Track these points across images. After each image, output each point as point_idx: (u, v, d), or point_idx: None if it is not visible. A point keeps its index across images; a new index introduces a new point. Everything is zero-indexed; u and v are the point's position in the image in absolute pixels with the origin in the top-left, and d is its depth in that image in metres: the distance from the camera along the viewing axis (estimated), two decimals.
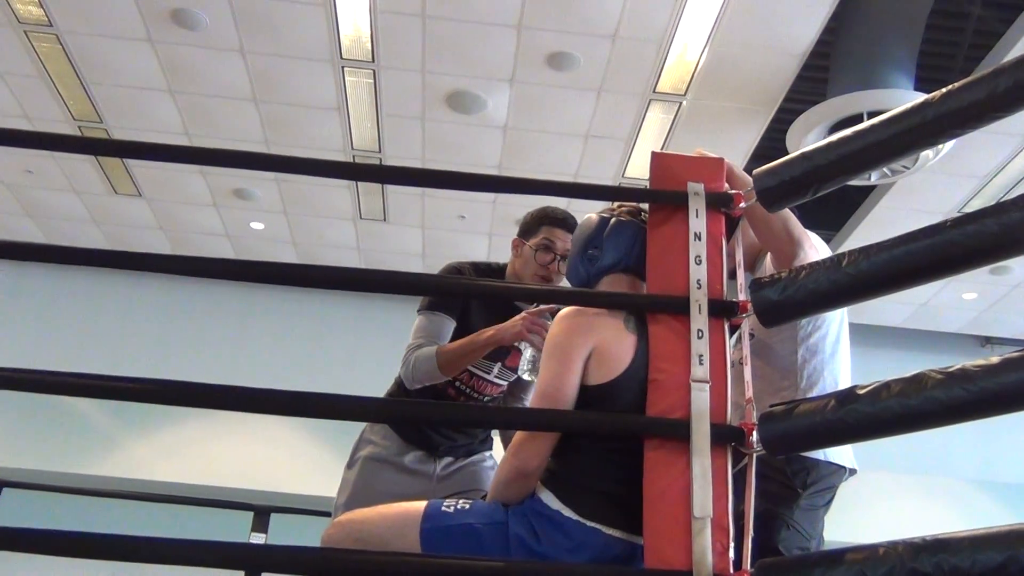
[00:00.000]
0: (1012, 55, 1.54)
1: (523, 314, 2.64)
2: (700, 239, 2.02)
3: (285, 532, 4.94)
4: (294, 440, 8.70)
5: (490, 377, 2.93)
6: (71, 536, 1.68)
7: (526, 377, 2.68)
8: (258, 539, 4.61)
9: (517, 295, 2.90)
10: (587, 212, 2.36)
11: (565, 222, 2.87)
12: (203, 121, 6.87)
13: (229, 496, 7.13)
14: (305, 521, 4.53)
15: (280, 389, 1.86)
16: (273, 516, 4.70)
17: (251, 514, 4.71)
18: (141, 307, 9.32)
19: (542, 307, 2.66)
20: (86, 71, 6.37)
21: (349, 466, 2.96)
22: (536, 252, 2.85)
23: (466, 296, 2.89)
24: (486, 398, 2.97)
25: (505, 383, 2.99)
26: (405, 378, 2.79)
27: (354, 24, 5.76)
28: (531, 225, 2.91)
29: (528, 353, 2.64)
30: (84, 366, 2.09)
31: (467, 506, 2.02)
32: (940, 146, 5.57)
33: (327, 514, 2.97)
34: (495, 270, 3.00)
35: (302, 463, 8.58)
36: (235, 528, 5.20)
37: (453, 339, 2.83)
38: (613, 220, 2.23)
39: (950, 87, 1.73)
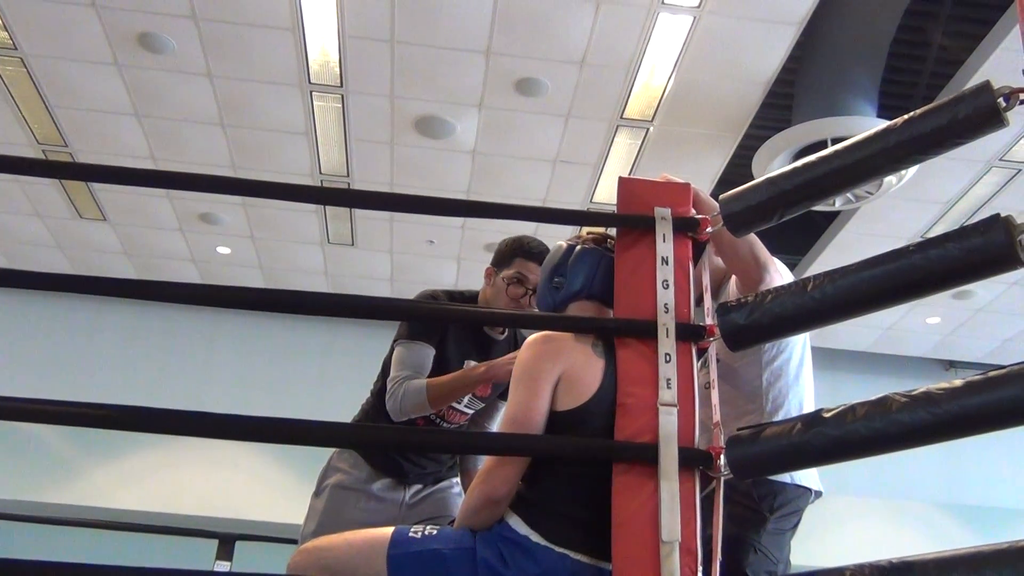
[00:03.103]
0: (973, 82, 1.57)
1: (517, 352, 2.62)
2: (667, 263, 2.03)
3: (251, 560, 4.89)
4: (260, 466, 8.61)
5: (460, 407, 2.92)
6: (31, 566, 1.65)
7: None
8: (223, 567, 4.54)
9: (488, 320, 2.90)
10: (556, 236, 2.37)
11: (540, 257, 2.79)
12: (170, 145, 6.82)
13: (193, 524, 7.03)
14: (271, 549, 4.48)
15: (246, 415, 1.84)
16: (238, 544, 4.64)
17: (216, 542, 4.65)
18: (105, 332, 9.21)
19: None
20: (51, 94, 6.32)
21: (317, 494, 2.92)
22: (508, 286, 2.84)
23: (438, 322, 2.87)
24: (452, 426, 2.96)
25: (472, 411, 2.99)
26: (392, 411, 2.76)
27: (322, 49, 5.76)
28: (505, 256, 2.89)
29: None
30: (46, 392, 2.06)
31: (434, 532, 2.00)
32: (903, 172, 5.65)
33: (294, 541, 2.93)
34: (468, 298, 2.99)
35: (268, 490, 8.49)
36: (199, 556, 5.13)
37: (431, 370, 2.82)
38: (578, 248, 2.24)
39: (912, 114, 1.76)
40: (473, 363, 2.86)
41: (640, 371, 1.94)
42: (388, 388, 2.78)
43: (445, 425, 2.93)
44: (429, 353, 2.82)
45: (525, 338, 2.75)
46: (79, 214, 7.95)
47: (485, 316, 2.85)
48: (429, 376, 2.79)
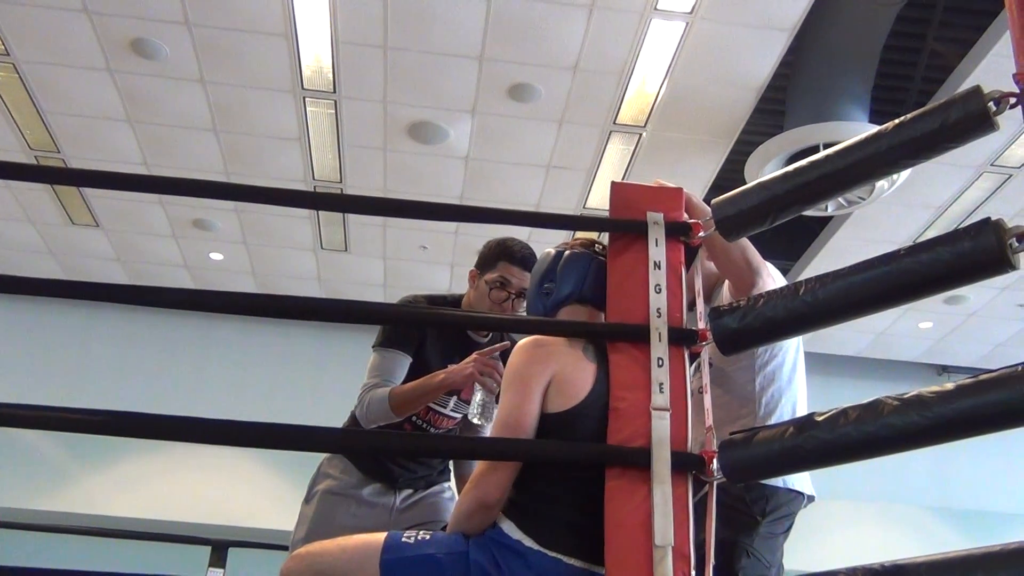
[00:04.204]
0: (964, 88, 1.58)
1: (474, 356, 2.61)
2: (660, 268, 2.03)
3: (243, 567, 4.88)
4: (252, 473, 8.59)
5: (446, 411, 2.92)
6: (23, 573, 1.65)
7: (475, 421, 2.64)
8: (216, 574, 4.53)
9: (478, 324, 2.89)
10: (548, 242, 2.37)
11: (523, 260, 2.82)
12: (163, 151, 6.81)
13: (186, 530, 7.01)
14: (264, 555, 4.46)
15: (238, 420, 1.84)
16: (231, 550, 4.63)
17: (208, 548, 4.64)
18: (97, 338, 9.19)
19: (494, 347, 2.64)
20: (43, 100, 6.31)
21: (307, 500, 2.92)
22: (491, 290, 2.83)
23: (424, 327, 2.86)
24: (441, 431, 2.95)
25: (460, 416, 2.98)
26: (360, 418, 2.76)
27: (315, 55, 5.76)
28: (488, 259, 2.89)
29: (478, 396, 2.60)
30: (38, 398, 2.06)
31: (427, 537, 2.00)
32: (895, 177, 5.67)
33: (286, 548, 2.92)
34: (450, 301, 2.98)
35: (260, 496, 8.46)
36: (192, 563, 5.12)
37: (410, 373, 2.81)
38: (567, 253, 2.25)
39: (903, 118, 1.76)
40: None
41: (633, 375, 1.94)
42: (358, 396, 2.78)
43: (432, 430, 2.92)
44: (402, 360, 2.80)
45: (511, 339, 2.75)
46: (71, 220, 7.93)
47: (478, 320, 2.84)
48: (409, 381, 2.78)
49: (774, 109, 6.24)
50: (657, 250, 2.05)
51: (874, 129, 1.82)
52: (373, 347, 2.87)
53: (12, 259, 8.66)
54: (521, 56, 5.68)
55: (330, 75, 5.93)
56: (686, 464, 1.85)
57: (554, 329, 2.14)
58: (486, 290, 2.84)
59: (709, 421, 1.94)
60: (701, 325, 2.01)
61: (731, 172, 6.69)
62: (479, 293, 2.87)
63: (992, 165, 6.42)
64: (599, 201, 7.08)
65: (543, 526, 1.95)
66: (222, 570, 4.56)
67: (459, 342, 2.91)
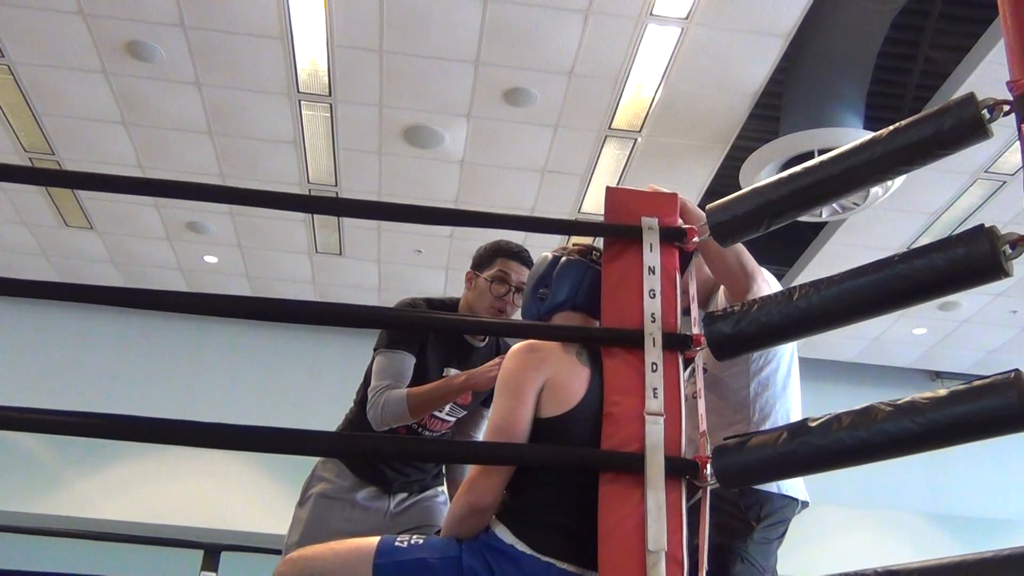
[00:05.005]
0: (959, 94, 1.59)
1: (498, 360, 2.62)
2: (654, 273, 2.03)
3: (236, 571, 4.87)
4: (246, 476, 8.57)
5: (442, 415, 2.92)
6: None
7: None
8: None
9: (474, 328, 2.89)
10: (543, 246, 2.38)
11: (519, 255, 2.88)
12: (157, 154, 6.80)
13: (179, 534, 6.99)
14: (256, 559, 4.46)
15: (232, 424, 1.83)
16: (224, 554, 4.62)
17: (201, 552, 4.63)
18: (90, 341, 9.16)
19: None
20: (38, 102, 6.30)
21: (301, 504, 2.91)
22: (491, 284, 2.85)
23: (423, 331, 2.87)
24: (435, 434, 2.96)
25: (454, 419, 2.98)
26: (372, 420, 2.75)
27: (311, 58, 5.76)
28: (485, 258, 2.92)
29: None
30: (30, 400, 2.05)
31: (420, 541, 2.00)
32: (889, 183, 5.68)
33: (279, 552, 2.92)
34: (448, 305, 2.99)
35: (253, 500, 8.44)
36: (185, 567, 5.10)
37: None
38: (563, 259, 2.25)
39: (897, 125, 1.77)
40: (454, 371, 2.86)
41: (627, 380, 1.94)
42: (369, 398, 2.77)
43: (427, 434, 2.92)
44: (410, 362, 2.81)
45: (507, 343, 2.76)
46: (65, 222, 7.91)
47: (473, 324, 2.84)
48: (409, 384, 2.78)
49: (769, 115, 6.25)
50: (652, 255, 2.05)
51: (869, 135, 1.82)
52: (377, 349, 2.86)
53: (5, 261, 8.64)
54: (517, 60, 5.68)
55: (325, 78, 5.93)
56: (680, 469, 1.85)
57: (548, 334, 2.14)
58: (486, 287, 2.85)
59: (703, 426, 1.95)
60: (695, 330, 2.01)
61: (726, 178, 6.70)
62: (478, 291, 2.88)
63: (986, 172, 6.44)
64: (594, 206, 7.09)
65: (536, 531, 1.94)
66: (215, 574, 4.55)
67: (456, 346, 2.92)
